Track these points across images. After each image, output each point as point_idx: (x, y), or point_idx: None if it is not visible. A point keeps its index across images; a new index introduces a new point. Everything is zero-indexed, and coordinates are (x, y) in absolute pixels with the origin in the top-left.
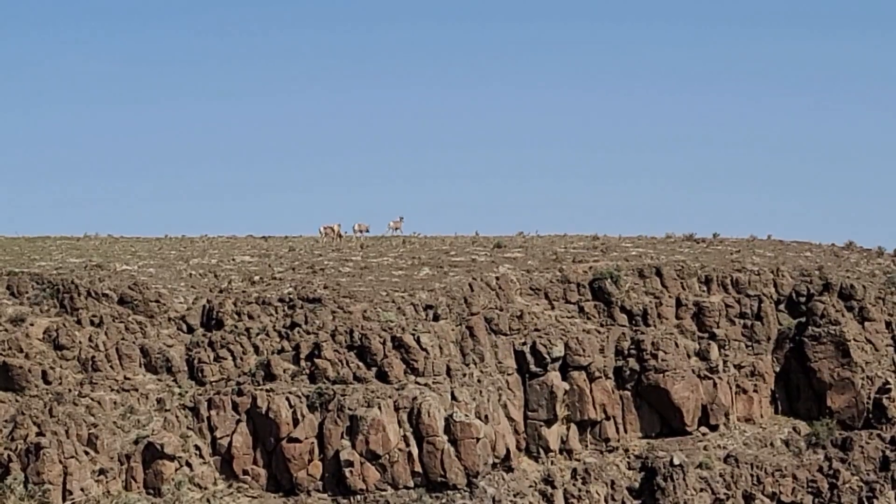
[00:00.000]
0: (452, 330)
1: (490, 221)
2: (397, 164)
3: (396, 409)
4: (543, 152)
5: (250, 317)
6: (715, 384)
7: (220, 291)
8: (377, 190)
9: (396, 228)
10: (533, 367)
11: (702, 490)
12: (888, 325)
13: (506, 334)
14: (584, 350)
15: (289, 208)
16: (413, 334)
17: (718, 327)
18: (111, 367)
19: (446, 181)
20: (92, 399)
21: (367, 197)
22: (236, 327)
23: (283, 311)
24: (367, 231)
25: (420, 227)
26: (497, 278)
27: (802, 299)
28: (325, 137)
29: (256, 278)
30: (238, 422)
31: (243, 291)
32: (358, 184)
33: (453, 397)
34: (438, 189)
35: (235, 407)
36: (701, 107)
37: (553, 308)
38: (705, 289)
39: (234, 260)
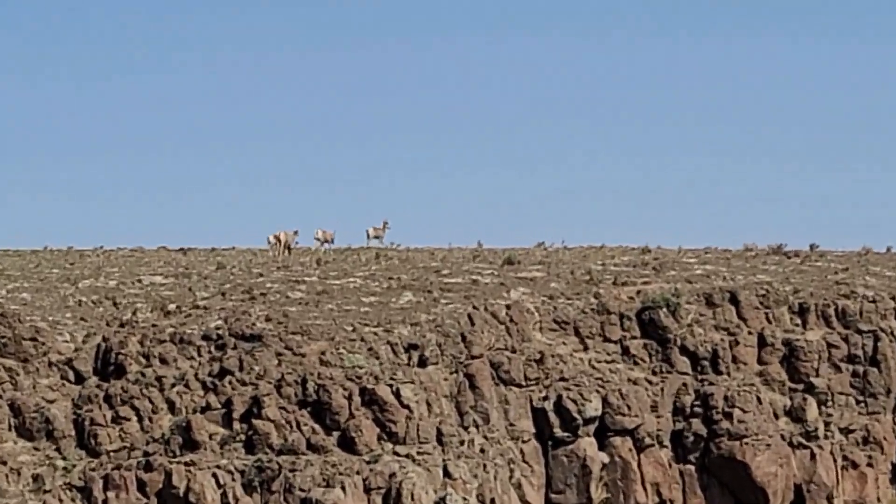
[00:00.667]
0: (445, 379)
1: (498, 229)
2: (374, 154)
3: (367, 490)
4: (568, 135)
5: (163, 361)
6: (813, 455)
7: (122, 325)
8: (349, 187)
9: (377, 237)
10: (558, 432)
11: None
12: None
13: (520, 385)
14: (629, 407)
15: (221, 210)
16: (390, 385)
17: (818, 376)
18: None
19: (436, 175)
20: None
21: (336, 196)
22: (143, 375)
23: (210, 352)
24: (332, 241)
25: (401, 236)
26: (508, 307)
27: None
28: (274, 115)
29: (172, 307)
30: None
31: (153, 325)
32: (323, 178)
33: (447, 474)
34: (426, 186)
35: (142, 487)
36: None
37: (586, 349)
38: (799, 322)
39: (140, 281)
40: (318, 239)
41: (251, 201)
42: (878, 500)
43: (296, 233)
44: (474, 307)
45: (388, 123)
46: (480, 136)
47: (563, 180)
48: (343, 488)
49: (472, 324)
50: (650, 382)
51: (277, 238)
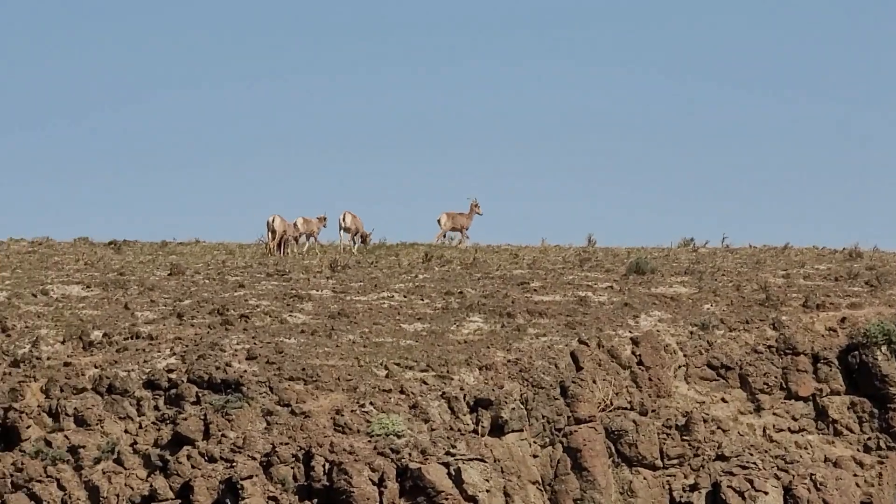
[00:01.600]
0: (535, 456)
1: (619, 218)
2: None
3: None
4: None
5: (81, 422)
6: None
7: (15, 364)
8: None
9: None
10: None
11: None
12: None
13: (653, 467)
14: (833, 501)
15: (178, 185)
16: (446, 465)
17: None
18: None
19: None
20: None
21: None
22: (49, 445)
23: (156, 409)
24: (365, 236)
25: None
26: (635, 342)
27: None
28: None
29: (97, 335)
30: None
31: (66, 365)
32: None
33: None
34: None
35: None
36: None
37: (759, 410)
38: None
39: (45, 293)
40: (345, 229)
41: (234, 174)
42: None
43: (321, 219)
44: (581, 341)
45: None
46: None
47: (723, 152)
48: None
49: (578, 367)
50: (861, 464)
51: (293, 225)
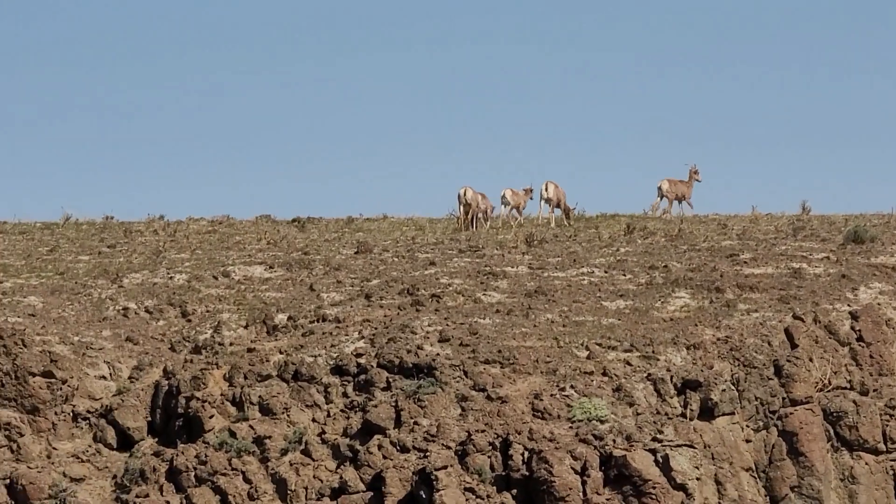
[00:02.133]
0: (748, 441)
1: (832, 181)
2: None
3: None
4: None
5: (266, 411)
6: None
7: (196, 351)
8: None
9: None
10: None
11: None
12: None
13: (876, 451)
14: None
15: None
16: (652, 451)
17: None
18: None
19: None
20: None
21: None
22: (233, 436)
23: (346, 396)
24: (565, 209)
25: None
26: (855, 317)
27: None
28: None
29: (281, 318)
30: None
31: (250, 350)
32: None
33: None
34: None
35: None
36: None
37: None
38: None
39: (226, 275)
40: (547, 199)
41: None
42: None
43: (527, 191)
44: (796, 317)
45: None
46: None
47: None
48: None
49: (793, 345)
50: None
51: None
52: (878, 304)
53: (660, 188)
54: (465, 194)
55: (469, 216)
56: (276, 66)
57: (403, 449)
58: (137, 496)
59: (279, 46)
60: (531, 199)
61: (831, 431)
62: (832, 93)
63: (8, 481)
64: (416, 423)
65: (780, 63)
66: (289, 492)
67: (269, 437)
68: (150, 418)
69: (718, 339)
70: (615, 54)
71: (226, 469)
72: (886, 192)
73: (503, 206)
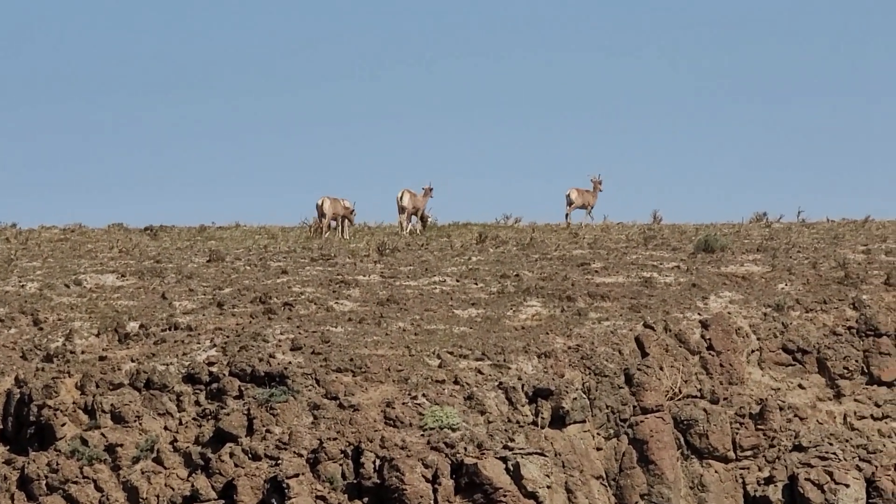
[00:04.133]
0: (598, 449)
1: (686, 191)
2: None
3: None
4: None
5: (118, 419)
6: None
7: (48, 359)
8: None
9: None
10: None
11: None
12: None
13: (725, 459)
14: None
15: (214, 163)
16: (504, 459)
17: None
18: None
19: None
20: None
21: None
22: (85, 444)
23: (198, 404)
24: (422, 217)
25: (522, 205)
26: (705, 325)
27: None
28: None
29: (133, 326)
30: None
31: (101, 359)
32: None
33: None
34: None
35: None
36: None
37: (839, 397)
38: None
39: (78, 283)
40: (402, 208)
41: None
42: None
43: (427, 191)
44: (647, 326)
45: None
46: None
47: (797, 119)
48: None
49: (644, 353)
50: None
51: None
52: (729, 312)
53: (568, 196)
54: (322, 205)
55: (327, 225)
56: (128, 74)
57: (255, 457)
58: None
59: (128, 53)
60: (431, 197)
61: (681, 439)
62: (682, 104)
63: None
64: (268, 431)
65: (634, 73)
66: (140, 500)
67: (121, 446)
68: (1, 426)
69: (569, 348)
70: (476, 58)
71: (77, 477)
72: (737, 201)
73: (400, 210)
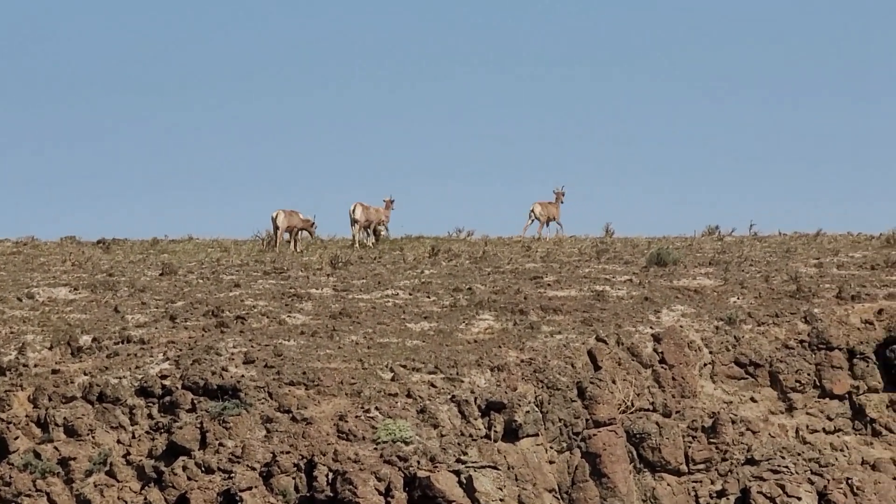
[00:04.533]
0: (551, 462)
1: (639, 206)
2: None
3: None
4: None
5: (71, 432)
6: None
7: (0, 372)
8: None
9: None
10: None
11: None
12: None
13: (678, 472)
14: None
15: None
16: (456, 472)
17: None
18: None
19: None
20: None
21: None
22: (37, 457)
23: (150, 417)
24: (375, 229)
25: (472, 218)
26: (657, 339)
27: None
28: None
29: (85, 340)
30: None
31: (54, 372)
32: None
33: None
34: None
35: None
36: None
37: (791, 410)
38: None
39: (30, 296)
40: (355, 221)
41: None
42: None
43: (388, 203)
44: (599, 339)
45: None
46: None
47: (749, 132)
48: None
49: (596, 367)
50: None
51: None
52: (681, 326)
53: (532, 211)
54: (276, 217)
55: (281, 237)
56: (79, 88)
57: (208, 470)
58: None
59: (77, 66)
60: (393, 209)
61: (634, 453)
62: (633, 116)
63: None
64: (220, 444)
65: (584, 85)
66: None
67: (74, 459)
68: None
69: (522, 361)
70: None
71: (30, 490)
72: (689, 215)
73: (353, 223)
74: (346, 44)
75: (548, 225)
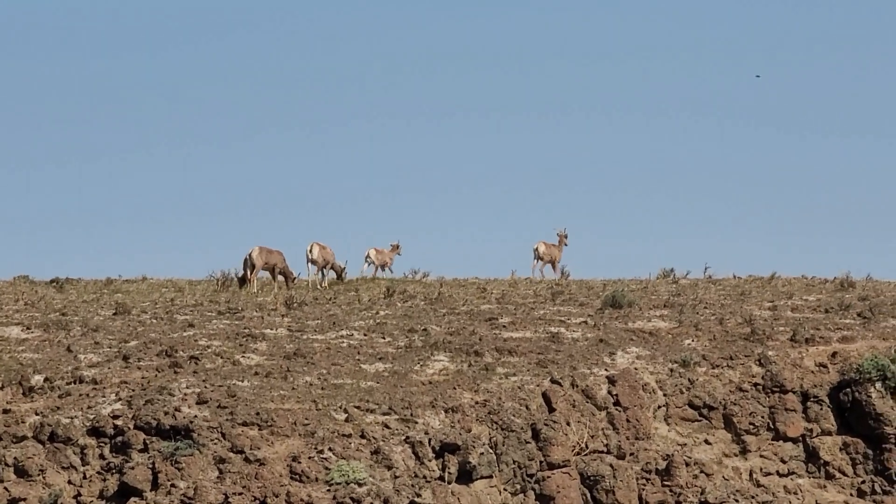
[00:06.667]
0: (503, 503)
1: (594, 250)
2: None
3: None
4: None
5: (22, 472)
6: None
7: None
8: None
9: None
10: None
11: None
12: None
13: None
14: None
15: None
16: None
17: None
18: None
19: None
20: None
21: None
22: None
23: (102, 457)
24: (335, 268)
25: (427, 260)
26: (612, 381)
27: None
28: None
29: (37, 380)
30: None
31: (5, 412)
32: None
33: None
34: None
35: None
36: None
37: (745, 452)
38: None
39: None
40: (313, 261)
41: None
42: None
43: (394, 247)
44: (554, 381)
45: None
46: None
47: (704, 176)
48: None
49: (551, 409)
50: None
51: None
52: (636, 368)
53: (536, 250)
54: (251, 255)
55: (255, 276)
56: (33, 127)
57: None
58: None
59: (29, 105)
60: (399, 254)
61: (588, 495)
62: (587, 159)
63: None
64: (173, 485)
65: (539, 128)
66: None
67: (24, 500)
68: None
69: (477, 403)
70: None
71: None
72: (644, 257)
73: (366, 264)
74: (292, 88)
75: (551, 265)
